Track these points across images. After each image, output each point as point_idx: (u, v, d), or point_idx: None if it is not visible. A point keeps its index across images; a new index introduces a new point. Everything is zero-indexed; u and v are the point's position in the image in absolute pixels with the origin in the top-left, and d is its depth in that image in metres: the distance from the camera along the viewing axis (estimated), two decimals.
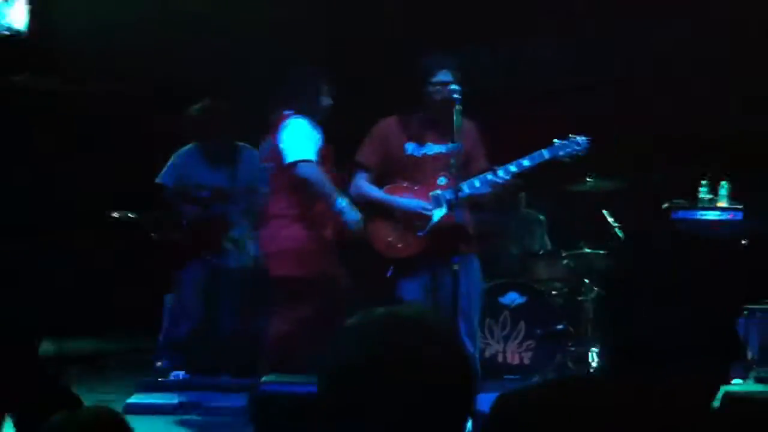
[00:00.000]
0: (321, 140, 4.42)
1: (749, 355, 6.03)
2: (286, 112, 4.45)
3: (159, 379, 5.28)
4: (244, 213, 5.55)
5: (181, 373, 5.32)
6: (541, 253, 6.30)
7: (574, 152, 4.17)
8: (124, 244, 6.40)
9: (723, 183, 6.44)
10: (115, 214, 6.61)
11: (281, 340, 4.39)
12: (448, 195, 4.19)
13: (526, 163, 4.16)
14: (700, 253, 1.53)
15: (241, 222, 5.57)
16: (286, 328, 4.39)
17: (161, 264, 5.73)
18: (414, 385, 1.25)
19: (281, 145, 4.38)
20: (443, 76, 4.19)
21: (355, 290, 5.41)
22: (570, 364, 5.68)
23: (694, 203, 6.47)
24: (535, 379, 5.49)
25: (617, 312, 1.49)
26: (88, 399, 3.43)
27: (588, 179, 6.13)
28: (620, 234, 5.91)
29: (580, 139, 4.17)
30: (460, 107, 4.06)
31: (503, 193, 4.38)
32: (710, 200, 6.46)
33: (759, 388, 5.64)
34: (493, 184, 4.16)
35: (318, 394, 1.30)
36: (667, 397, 1.42)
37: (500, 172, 4.16)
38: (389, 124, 4.38)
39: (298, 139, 4.36)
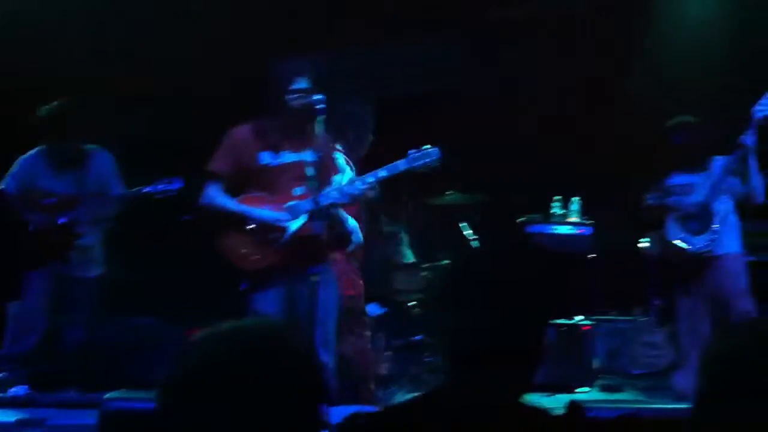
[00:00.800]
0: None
1: (595, 363, 6.32)
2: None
3: None
4: (93, 220, 5.34)
5: (22, 388, 5.03)
6: (401, 264, 6.36)
7: (429, 163, 4.17)
8: None
9: (574, 199, 6.75)
10: None
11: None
12: (306, 205, 4.11)
13: (383, 173, 4.13)
14: (517, 265, 1.62)
15: (91, 229, 5.35)
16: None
17: (4, 272, 5.43)
18: (259, 400, 1.22)
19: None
20: (302, 83, 4.11)
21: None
22: (424, 376, 5.75)
23: (548, 218, 6.76)
24: (390, 390, 5.54)
25: (443, 319, 1.59)
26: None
27: (448, 193, 6.29)
28: (477, 246, 6.07)
29: (433, 150, 4.17)
30: (323, 116, 4.01)
31: (360, 204, 4.35)
32: (562, 215, 6.76)
33: (604, 396, 5.90)
34: (351, 195, 4.12)
35: (159, 410, 1.26)
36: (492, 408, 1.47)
37: (358, 183, 4.13)
38: (243, 132, 4.23)
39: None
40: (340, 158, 4.56)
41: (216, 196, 4.21)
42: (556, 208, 6.77)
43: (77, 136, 5.29)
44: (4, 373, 5.15)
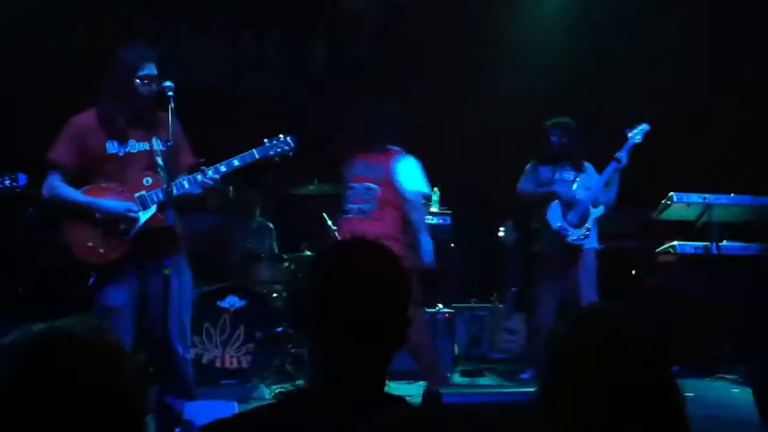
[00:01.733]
0: None
1: (456, 350, 6.45)
2: (395, 148, 5.01)
3: None
4: None
5: None
6: (263, 256, 6.27)
7: (284, 152, 4.15)
8: None
9: (435, 189, 6.84)
10: None
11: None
12: (156, 196, 3.95)
13: (236, 162, 4.05)
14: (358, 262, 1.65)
15: None
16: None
17: None
18: (64, 406, 1.16)
19: (399, 176, 4.92)
20: (150, 69, 3.93)
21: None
22: (288, 367, 5.70)
23: None
24: (252, 383, 5.45)
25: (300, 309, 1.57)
26: None
27: (312, 184, 6.23)
28: (339, 237, 6.04)
29: (289, 138, 4.16)
30: (173, 104, 3.85)
31: (212, 193, 4.24)
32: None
33: (465, 381, 6.03)
34: (203, 185, 4.00)
35: None
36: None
37: (210, 173, 4.00)
38: (86, 119, 3.99)
39: (417, 175, 4.97)
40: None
41: (58, 185, 3.97)
42: None
43: None
44: None
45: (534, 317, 5.99)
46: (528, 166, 5.89)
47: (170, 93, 3.87)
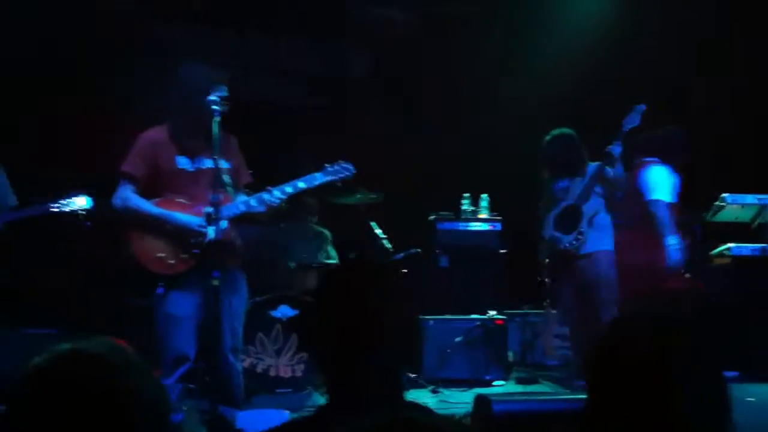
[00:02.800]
0: (678, 185, 5.43)
1: (510, 357, 6.41)
2: (649, 159, 5.48)
3: None
4: None
5: None
6: (313, 264, 6.31)
7: (344, 176, 4.34)
8: None
9: (483, 196, 6.82)
10: None
11: None
12: (225, 211, 4.08)
13: (301, 185, 4.23)
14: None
15: None
16: None
17: None
18: (83, 421, 1.19)
19: (643, 184, 5.40)
20: (222, 90, 4.05)
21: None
22: None
23: (458, 215, 6.81)
24: (306, 391, 5.49)
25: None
26: None
27: (358, 192, 6.26)
28: (388, 245, 6.06)
29: (348, 165, 4.34)
30: (218, 116, 3.98)
31: (274, 212, 4.36)
32: (472, 212, 6.82)
33: (519, 389, 5.99)
34: (268, 205, 4.17)
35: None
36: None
37: (276, 193, 4.18)
38: (157, 135, 4.17)
39: (660, 182, 5.36)
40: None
41: (131, 197, 4.13)
42: (466, 205, 6.84)
43: None
44: None
45: (570, 329, 5.85)
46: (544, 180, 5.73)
47: (215, 107, 3.98)
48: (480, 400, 3.03)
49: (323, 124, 7.41)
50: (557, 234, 5.53)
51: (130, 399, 1.21)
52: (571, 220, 5.50)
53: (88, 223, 5.15)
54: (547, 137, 5.61)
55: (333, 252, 6.66)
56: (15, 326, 5.57)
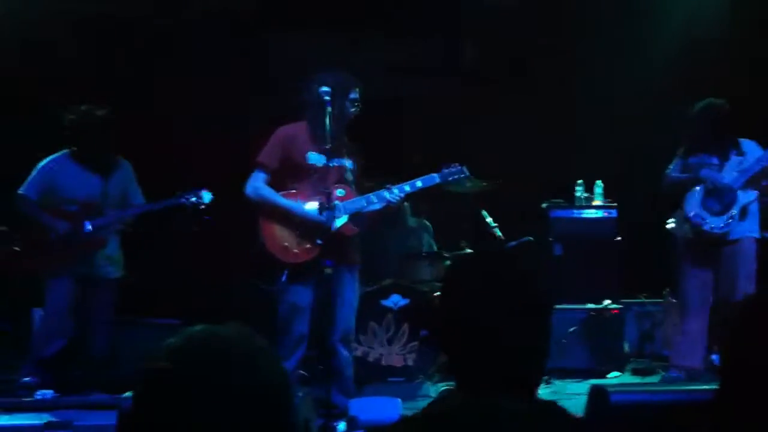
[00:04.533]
0: None
1: (626, 347, 6.22)
2: None
3: (24, 399, 4.99)
4: (115, 226, 5.33)
5: (48, 392, 5.05)
6: (423, 254, 6.31)
7: (460, 179, 4.59)
8: None
9: (598, 182, 6.63)
10: None
11: None
12: (349, 207, 4.36)
13: (419, 184, 4.46)
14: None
15: (112, 237, 5.35)
16: None
17: (26, 277, 5.45)
18: (216, 402, 1.21)
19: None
20: (355, 93, 4.37)
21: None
22: None
23: (571, 202, 6.65)
24: (418, 380, 5.49)
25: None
26: None
27: (468, 181, 6.19)
28: (499, 233, 5.98)
29: (463, 167, 4.57)
30: (330, 108, 4.25)
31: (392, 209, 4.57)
32: (586, 199, 6.65)
33: (636, 379, 5.81)
34: (387, 202, 4.39)
35: (133, 409, 1.25)
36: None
37: (395, 191, 4.38)
38: (294, 130, 4.43)
39: None
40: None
41: (262, 187, 4.40)
42: (580, 192, 6.67)
43: (106, 143, 5.28)
44: (31, 377, 5.17)
45: (683, 314, 5.48)
46: (679, 152, 5.38)
47: (327, 98, 4.21)
48: (596, 390, 2.94)
49: (437, 116, 7.38)
50: (704, 213, 5.15)
51: (257, 380, 1.24)
52: (720, 201, 5.13)
53: (209, 217, 5.33)
54: (701, 105, 5.22)
55: (433, 243, 6.66)
56: (139, 317, 5.83)
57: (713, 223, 5.12)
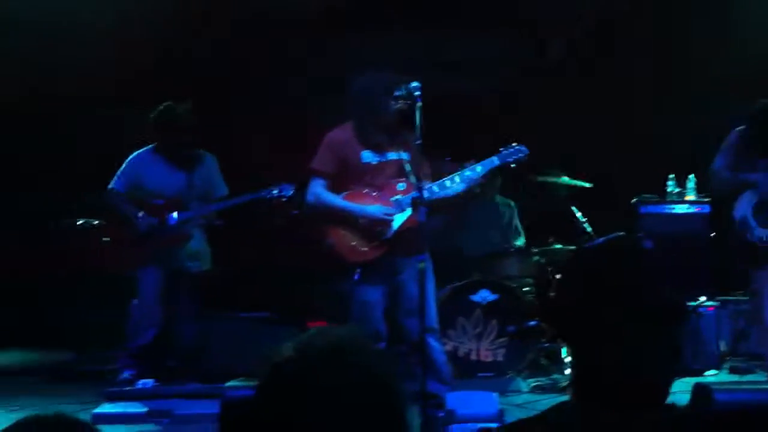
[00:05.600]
0: None
1: (722, 346, 6.06)
2: None
3: (126, 388, 5.18)
4: (200, 220, 5.48)
5: (149, 382, 5.23)
6: (511, 250, 6.28)
7: (519, 159, 4.52)
8: (78, 252, 6.35)
9: (690, 177, 6.47)
10: (80, 222, 6.55)
11: None
12: (408, 199, 4.36)
13: (479, 169, 4.45)
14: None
15: (198, 232, 5.49)
16: None
17: (119, 270, 5.66)
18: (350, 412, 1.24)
19: None
20: (401, 90, 4.35)
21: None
22: (543, 361, 5.66)
23: (663, 197, 6.51)
24: (508, 376, 5.48)
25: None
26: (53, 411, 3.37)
27: (558, 175, 6.13)
28: (588, 229, 5.91)
29: (522, 147, 4.54)
30: (420, 102, 4.20)
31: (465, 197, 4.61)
32: (678, 194, 6.49)
33: (733, 378, 5.67)
34: (450, 189, 4.39)
35: (257, 398, 1.30)
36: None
37: (456, 178, 4.41)
38: (343, 133, 4.47)
39: None
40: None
41: (322, 193, 4.45)
42: (672, 187, 6.52)
43: (188, 138, 5.43)
44: (128, 369, 5.36)
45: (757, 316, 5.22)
46: (732, 137, 5.06)
47: (417, 93, 4.20)
48: (700, 388, 2.89)
49: (517, 113, 7.33)
50: (752, 220, 4.90)
51: (374, 379, 1.27)
52: None
53: (296, 212, 5.44)
54: (756, 107, 4.98)
55: (519, 225, 6.61)
56: (227, 311, 5.98)
57: (761, 234, 4.87)
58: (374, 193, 4.42)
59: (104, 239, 5.76)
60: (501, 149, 4.53)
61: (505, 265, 6.08)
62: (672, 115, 6.97)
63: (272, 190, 5.33)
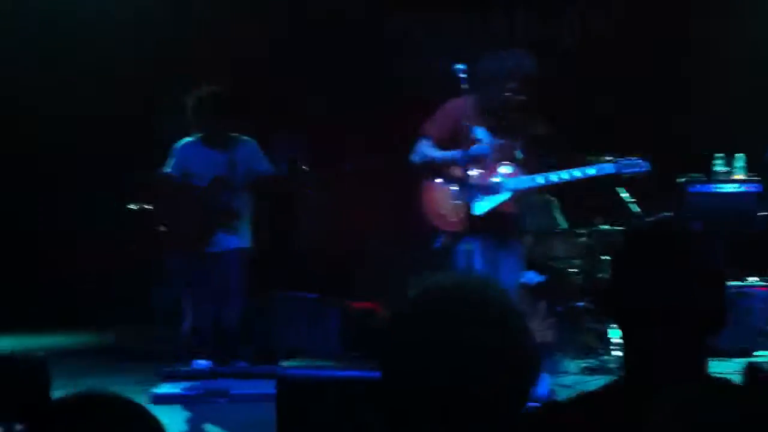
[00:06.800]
0: None
1: None
2: None
3: (183, 369, 5.31)
4: (244, 201, 5.57)
5: (204, 362, 5.35)
6: (556, 231, 6.28)
7: (636, 173, 4.43)
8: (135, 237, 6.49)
9: (739, 156, 6.39)
10: (132, 206, 6.69)
11: None
12: (510, 184, 4.35)
13: (590, 171, 4.39)
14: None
15: (243, 211, 5.58)
16: None
17: (169, 254, 5.78)
18: (479, 358, 1.24)
19: None
20: (525, 74, 4.34)
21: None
22: (591, 342, 5.68)
23: (710, 177, 6.44)
24: (557, 357, 5.51)
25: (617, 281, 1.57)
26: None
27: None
28: (636, 209, 5.89)
29: (642, 161, 4.42)
30: (465, 85, 4.26)
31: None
32: (726, 173, 6.42)
33: None
34: (552, 183, 4.42)
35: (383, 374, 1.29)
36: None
37: (564, 175, 4.38)
38: (461, 104, 4.42)
39: None
40: None
41: (427, 149, 4.46)
42: (719, 166, 6.45)
43: (223, 121, 5.51)
44: (188, 349, 5.47)
45: None
46: None
47: (462, 75, 4.24)
48: (752, 368, 2.89)
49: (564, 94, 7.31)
50: None
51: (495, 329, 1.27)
52: None
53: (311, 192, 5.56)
54: None
55: (561, 218, 6.58)
56: (272, 290, 6.09)
57: None
58: (475, 171, 4.39)
59: (160, 226, 5.84)
60: (619, 158, 4.44)
61: (551, 246, 6.10)
62: (720, 92, 6.88)
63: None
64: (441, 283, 1.33)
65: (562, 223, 6.57)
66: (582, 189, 6.49)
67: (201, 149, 5.55)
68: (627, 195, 5.91)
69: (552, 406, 1.62)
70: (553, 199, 6.64)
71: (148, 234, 5.71)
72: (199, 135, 5.56)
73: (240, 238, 5.55)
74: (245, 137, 5.62)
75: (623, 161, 4.40)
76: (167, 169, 5.54)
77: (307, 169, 5.35)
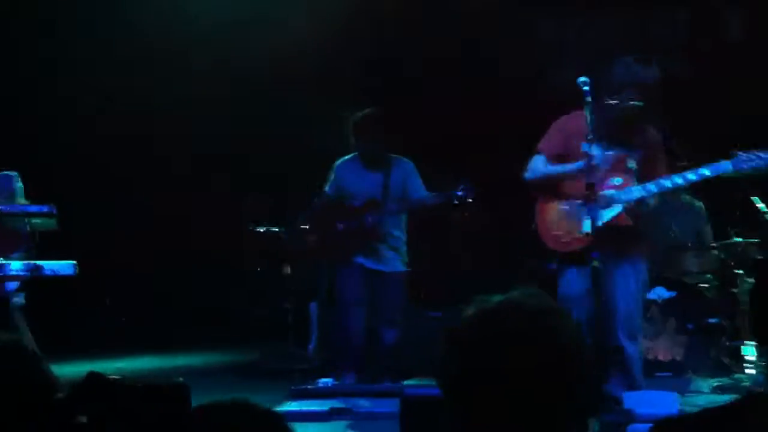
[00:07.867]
0: None
1: None
2: None
3: (309, 387, 5.43)
4: (396, 222, 5.63)
5: (329, 380, 5.45)
6: (688, 244, 6.03)
7: (759, 167, 4.05)
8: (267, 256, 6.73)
9: None
10: (260, 229, 6.94)
11: None
12: (621, 196, 4.20)
13: (705, 172, 4.12)
14: None
15: (394, 232, 5.64)
16: None
17: (303, 273, 5.92)
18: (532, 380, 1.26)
19: None
20: (649, 76, 4.20)
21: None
22: (725, 360, 5.43)
23: None
24: (688, 376, 5.30)
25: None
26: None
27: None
28: None
29: (764, 154, 4.04)
30: (589, 98, 4.11)
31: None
32: None
33: None
34: (667, 189, 4.19)
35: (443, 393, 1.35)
36: None
37: (677, 180, 4.15)
38: (576, 120, 4.30)
39: None
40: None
41: (539, 166, 4.41)
42: None
43: (378, 141, 5.60)
44: (342, 370, 5.55)
45: None
46: None
47: (586, 88, 4.10)
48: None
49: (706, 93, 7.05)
50: None
51: (553, 338, 1.30)
52: None
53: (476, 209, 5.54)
54: None
55: (708, 231, 6.27)
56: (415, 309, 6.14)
57: None
58: (588, 186, 4.16)
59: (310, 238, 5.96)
60: (739, 153, 4.07)
61: (681, 261, 5.87)
62: None
63: (457, 192, 5.39)
64: (491, 306, 1.35)
65: (709, 234, 6.27)
66: (716, 198, 6.26)
67: (358, 168, 5.67)
68: (763, 206, 5.63)
69: (664, 422, 1.59)
70: (699, 205, 6.33)
71: (299, 252, 5.88)
72: (357, 153, 5.69)
73: (401, 260, 5.60)
74: (402, 158, 5.70)
75: (742, 156, 4.02)
76: (327, 188, 5.70)
77: (473, 192, 5.35)
